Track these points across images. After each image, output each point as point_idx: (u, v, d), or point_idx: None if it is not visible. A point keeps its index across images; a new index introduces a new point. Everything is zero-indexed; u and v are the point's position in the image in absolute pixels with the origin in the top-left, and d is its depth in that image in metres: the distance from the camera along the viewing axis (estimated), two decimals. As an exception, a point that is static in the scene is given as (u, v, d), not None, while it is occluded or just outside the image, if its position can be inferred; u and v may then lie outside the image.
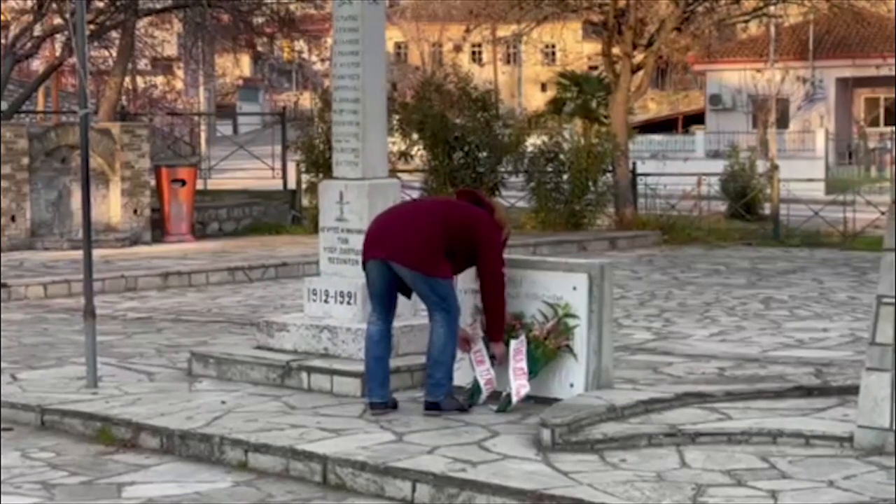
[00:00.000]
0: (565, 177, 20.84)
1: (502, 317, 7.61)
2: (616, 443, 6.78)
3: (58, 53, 24.88)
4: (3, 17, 23.81)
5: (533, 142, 21.48)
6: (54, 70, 24.95)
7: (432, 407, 7.46)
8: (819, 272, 16.02)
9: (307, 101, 48.53)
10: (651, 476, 6.24)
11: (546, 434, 6.77)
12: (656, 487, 6.06)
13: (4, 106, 22.81)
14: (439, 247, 7.48)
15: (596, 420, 7.05)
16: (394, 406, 7.61)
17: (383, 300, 7.64)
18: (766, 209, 22.42)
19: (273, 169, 23.50)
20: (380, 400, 7.57)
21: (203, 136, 35.29)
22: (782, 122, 45.70)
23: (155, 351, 10.28)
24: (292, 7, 24.82)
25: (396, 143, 20.43)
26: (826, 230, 20.41)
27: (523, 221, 21.30)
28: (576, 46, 50.47)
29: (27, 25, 22.88)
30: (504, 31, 34.54)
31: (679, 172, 24.75)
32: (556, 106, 24.64)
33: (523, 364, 7.60)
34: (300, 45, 33.65)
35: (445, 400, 7.46)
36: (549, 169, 21.04)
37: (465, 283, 8.02)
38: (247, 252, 17.46)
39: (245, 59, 54.37)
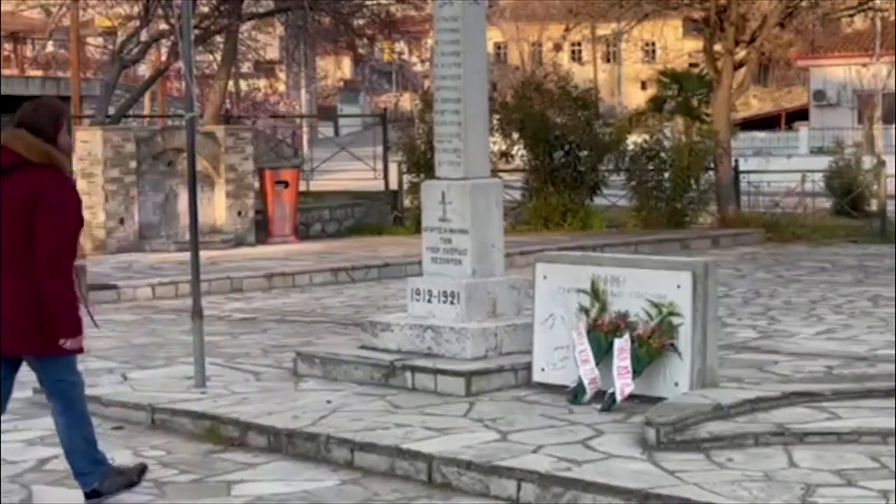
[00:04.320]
0: (667, 175, 20.72)
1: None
2: (723, 442, 6.72)
3: (163, 58, 25.29)
4: (110, 24, 24.27)
5: (634, 140, 21.38)
6: (160, 75, 25.36)
7: (95, 496, 6.32)
8: (929, 269, 15.70)
9: (407, 102, 48.76)
10: (759, 476, 6.18)
11: (651, 433, 6.73)
12: (765, 487, 6.00)
13: (112, 111, 23.25)
14: None
15: (701, 419, 6.99)
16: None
17: None
18: (873, 206, 22.04)
19: (375, 170, 23.65)
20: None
21: (305, 138, 35.63)
22: (888, 118, 44.84)
23: (261, 351, 10.41)
24: (392, 9, 24.95)
25: (497, 143, 20.45)
26: (935, 227, 20.01)
27: (624, 220, 21.21)
28: (676, 44, 49.99)
29: (134, 31, 23.29)
30: (604, 30, 34.40)
31: (782, 169, 24.43)
32: (656, 104, 24.40)
33: (627, 363, 7.56)
34: (400, 46, 33.83)
35: (105, 483, 6.30)
36: (651, 167, 20.93)
37: (568, 283, 8.01)
38: (349, 253, 17.60)
39: (346, 61, 54.81)
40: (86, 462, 6.28)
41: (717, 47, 21.61)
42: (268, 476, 6.86)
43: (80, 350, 6.08)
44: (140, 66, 30.28)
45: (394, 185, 22.24)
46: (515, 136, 21.09)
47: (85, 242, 18.99)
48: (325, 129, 42.31)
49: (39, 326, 5.92)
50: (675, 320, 7.57)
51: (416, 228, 18.22)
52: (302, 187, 21.31)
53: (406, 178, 21.50)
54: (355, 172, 24.36)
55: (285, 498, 6.48)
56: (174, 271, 15.12)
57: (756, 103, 56.83)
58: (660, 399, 7.39)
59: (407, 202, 21.50)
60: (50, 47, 45.52)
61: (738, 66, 21.76)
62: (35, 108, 6.07)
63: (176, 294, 14.18)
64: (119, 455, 7.25)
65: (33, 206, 5.84)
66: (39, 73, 41.67)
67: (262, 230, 19.37)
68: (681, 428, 6.81)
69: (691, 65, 32.76)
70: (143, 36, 23.16)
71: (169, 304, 13.73)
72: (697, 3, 22.06)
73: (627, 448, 6.70)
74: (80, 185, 18.22)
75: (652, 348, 7.57)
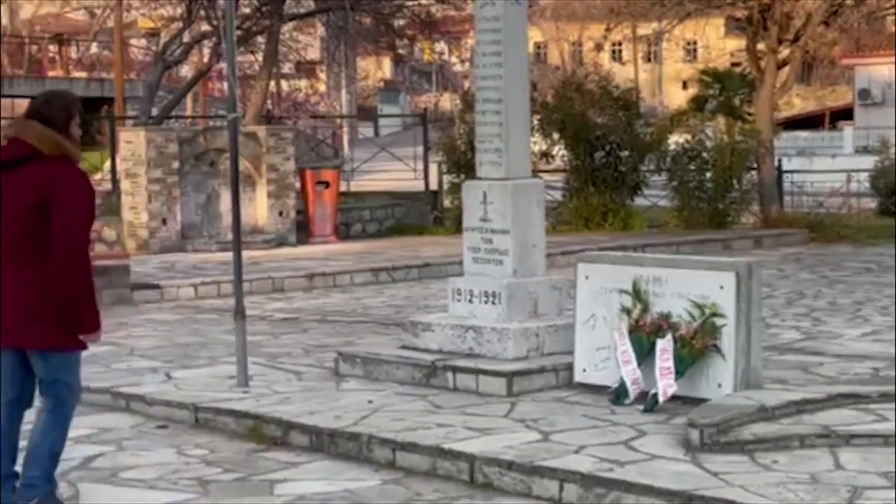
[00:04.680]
0: (708, 175, 20.63)
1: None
2: (767, 444, 6.67)
3: (206, 60, 25.42)
4: (153, 25, 24.42)
5: (675, 140, 21.29)
6: (203, 76, 25.50)
7: None
8: (975, 270, 15.54)
9: (447, 102, 48.77)
10: (805, 478, 6.13)
11: (695, 434, 6.69)
12: (810, 490, 5.95)
13: (155, 111, 23.40)
14: None
15: (745, 420, 6.95)
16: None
17: None
18: (919, 206, 21.85)
19: (415, 170, 23.67)
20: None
21: (345, 138, 35.71)
22: (934, 117, 44.44)
23: (302, 351, 10.43)
24: (433, 9, 24.96)
25: (537, 143, 20.42)
26: (983, 227, 19.80)
27: (666, 220, 21.13)
28: (718, 43, 49.77)
29: (177, 33, 23.43)
30: (645, 29, 34.25)
31: (827, 169, 24.27)
32: (697, 103, 24.30)
33: (670, 364, 7.53)
34: (441, 46, 33.82)
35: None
36: (692, 167, 20.85)
37: (610, 283, 7.98)
38: (390, 253, 17.62)
39: (386, 62, 54.91)
40: (39, 474, 5.94)
41: (761, 46, 21.49)
42: (310, 475, 6.87)
43: (85, 346, 5.95)
44: (182, 67, 30.42)
45: (434, 186, 22.25)
46: (556, 136, 21.05)
47: (128, 242, 19.13)
48: (366, 130, 42.38)
49: (41, 319, 5.80)
50: (719, 321, 7.52)
51: (456, 228, 18.31)
52: (342, 187, 21.36)
53: (446, 178, 21.51)
54: (395, 173, 24.40)
55: (328, 497, 6.49)
56: (216, 271, 15.19)
57: (799, 102, 56.45)
58: (703, 400, 7.35)
59: (447, 202, 21.51)
60: (94, 49, 45.88)
61: (781, 64, 21.62)
62: (47, 100, 5.99)
63: (218, 294, 14.24)
64: (163, 454, 7.31)
65: (47, 199, 5.74)
66: (84, 74, 42.03)
67: (303, 230, 19.43)
68: (724, 429, 6.77)
69: (733, 64, 32.59)
70: (186, 37, 23.30)
71: (211, 303, 13.79)
72: (740, 1, 21.95)
73: (670, 449, 6.67)
74: (124, 185, 18.40)
75: (695, 349, 7.53)
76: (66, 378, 5.98)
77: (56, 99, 6.02)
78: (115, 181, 21.52)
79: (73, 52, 45.18)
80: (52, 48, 43.86)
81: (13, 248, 5.83)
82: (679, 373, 7.51)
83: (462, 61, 34.72)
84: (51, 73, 40.27)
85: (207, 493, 6.58)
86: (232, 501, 6.46)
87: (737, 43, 36.53)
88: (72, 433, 7.65)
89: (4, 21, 48.82)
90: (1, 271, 5.86)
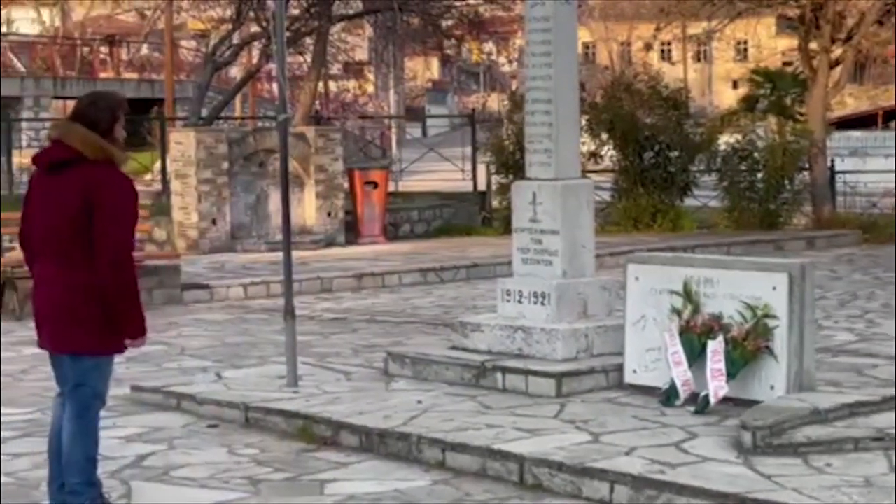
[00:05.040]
0: (759, 175, 20.47)
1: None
2: (821, 446, 6.60)
3: (255, 61, 25.55)
4: (203, 27, 24.57)
5: (725, 140, 21.14)
6: (252, 77, 25.62)
7: None
8: None
9: (495, 102, 48.71)
10: (859, 481, 6.07)
11: (747, 436, 6.64)
12: (864, 493, 5.89)
13: (204, 112, 23.54)
14: None
15: (798, 423, 6.88)
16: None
17: None
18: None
19: (463, 171, 23.66)
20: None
21: (393, 138, 35.77)
22: None
23: (351, 351, 10.46)
24: (481, 9, 24.96)
25: (586, 144, 20.33)
26: None
27: (716, 221, 21.00)
28: (769, 42, 49.46)
29: (226, 34, 23.57)
30: (695, 29, 34.07)
31: (880, 169, 24.02)
32: (748, 103, 24.16)
33: (721, 365, 7.47)
34: (489, 46, 33.80)
35: None
36: (743, 167, 20.70)
37: (660, 284, 7.94)
38: (438, 253, 17.63)
39: (434, 62, 54.95)
40: (80, 480, 5.91)
41: (813, 45, 21.30)
42: (360, 475, 6.88)
43: (120, 350, 5.91)
44: (232, 68, 30.61)
45: (482, 186, 22.23)
46: (604, 136, 20.97)
47: (178, 242, 19.25)
48: (413, 130, 42.42)
49: (81, 322, 5.77)
50: (771, 322, 7.46)
51: (505, 229, 18.27)
52: (391, 188, 21.39)
53: (494, 178, 21.48)
54: (443, 173, 24.40)
55: (378, 497, 6.49)
56: (265, 271, 15.25)
57: (852, 102, 55.90)
58: (755, 402, 7.28)
59: (495, 203, 21.48)
60: (144, 50, 46.22)
61: (834, 64, 21.43)
62: (92, 101, 5.95)
63: (267, 294, 14.30)
64: (214, 453, 7.34)
65: (90, 203, 5.71)
66: (134, 75, 42.35)
67: (352, 231, 19.47)
68: (777, 432, 6.71)
69: (785, 63, 32.40)
70: (236, 39, 23.44)
71: (260, 303, 13.85)
72: (792, 0, 21.77)
73: (722, 451, 6.62)
74: (174, 185, 18.51)
75: (746, 351, 7.48)
76: (93, 383, 5.92)
77: (101, 100, 5.97)
78: (165, 182, 21.68)
79: (123, 54, 45.53)
80: (104, 50, 44.22)
81: (58, 252, 5.82)
82: (730, 374, 7.45)
83: (510, 61, 34.71)
84: (102, 75, 40.57)
85: (258, 493, 6.61)
86: (282, 501, 6.48)
87: (788, 42, 36.31)
88: (123, 432, 7.74)
89: (57, 23, 49.34)
90: (47, 275, 5.89)
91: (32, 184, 6.09)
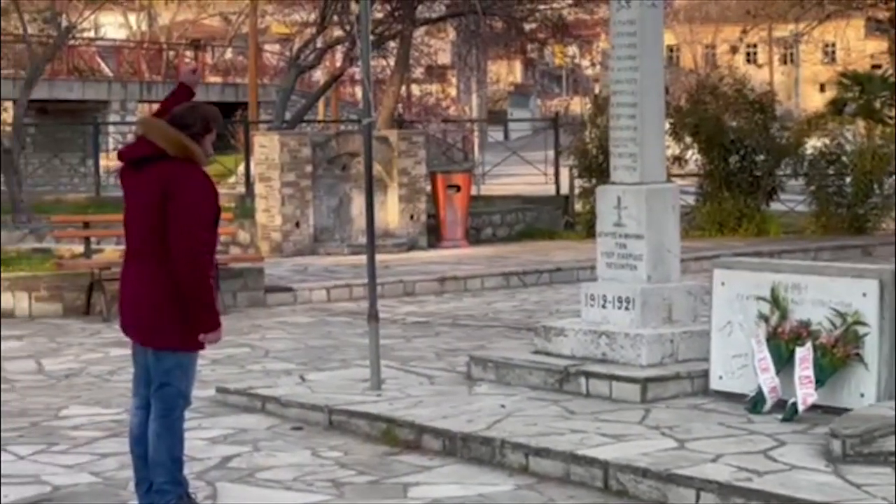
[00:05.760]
0: (848, 180, 20.18)
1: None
2: (912, 456, 6.48)
3: (338, 64, 25.68)
4: (287, 31, 24.75)
5: (813, 144, 20.86)
6: (335, 80, 25.75)
7: None
8: None
9: (578, 105, 48.55)
10: (951, 492, 5.95)
11: (836, 445, 6.54)
12: (957, 504, 5.77)
13: (288, 116, 23.70)
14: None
15: (889, 431, 6.74)
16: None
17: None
18: None
19: (545, 174, 23.59)
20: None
21: (476, 142, 35.78)
22: None
23: (434, 354, 10.46)
24: (565, 12, 24.87)
25: (670, 148, 20.17)
26: None
27: (803, 226, 20.74)
28: (858, 45, 48.72)
29: (310, 38, 23.71)
30: (782, 31, 33.69)
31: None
32: (836, 107, 23.81)
33: (809, 372, 7.37)
34: (572, 50, 33.68)
35: None
36: (831, 171, 20.41)
37: (747, 289, 7.84)
38: (520, 257, 17.58)
39: (517, 66, 54.91)
40: (165, 479, 5.97)
41: (902, 47, 20.97)
42: (443, 479, 6.88)
43: (201, 347, 5.95)
44: (315, 71, 30.79)
45: (565, 190, 22.14)
46: (688, 140, 20.79)
47: (262, 245, 19.41)
48: (496, 134, 42.41)
49: (163, 317, 5.85)
50: (861, 329, 7.34)
51: (588, 233, 18.18)
52: (473, 191, 21.38)
53: (577, 182, 21.38)
54: (526, 177, 24.36)
55: (461, 501, 6.49)
56: (348, 274, 15.31)
57: (942, 105, 54.90)
58: (844, 410, 7.17)
59: (578, 207, 21.38)
60: (229, 54, 46.71)
61: (923, 66, 21.08)
62: (192, 107, 6.03)
63: (350, 297, 14.36)
64: (298, 455, 7.38)
65: (167, 198, 5.77)
66: (219, 79, 42.82)
67: (434, 234, 19.48)
68: (868, 440, 6.59)
69: (874, 66, 31.85)
70: (319, 42, 23.56)
71: (343, 306, 13.91)
72: (882, 2, 21.44)
73: (811, 459, 6.52)
74: (258, 188, 18.67)
75: (836, 358, 7.37)
76: (176, 383, 5.98)
77: (200, 108, 6.05)
78: (249, 185, 21.87)
79: (208, 58, 46.05)
80: (189, 54, 44.76)
81: (140, 247, 5.92)
82: (819, 382, 7.34)
83: (593, 65, 34.59)
84: (187, 79, 41.00)
85: (342, 496, 6.63)
86: (366, 503, 6.50)
87: (877, 44, 35.76)
88: (209, 434, 7.81)
89: (144, 28, 50.03)
90: (132, 270, 5.97)
91: (121, 180, 6.17)
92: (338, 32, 23.71)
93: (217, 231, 6.03)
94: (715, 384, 8.04)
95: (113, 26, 50.98)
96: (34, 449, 7.61)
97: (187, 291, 5.81)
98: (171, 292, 5.83)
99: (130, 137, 32.55)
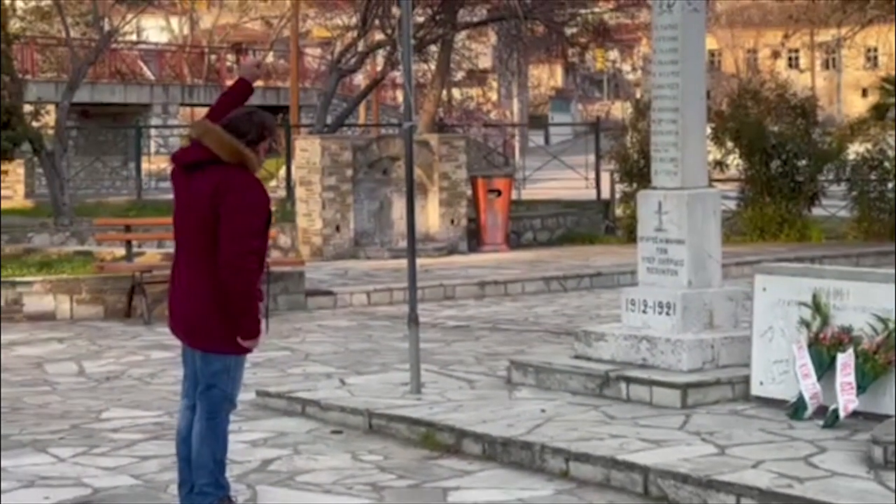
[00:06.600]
0: (890, 185, 20.05)
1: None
2: (955, 464, 6.43)
3: (379, 68, 25.75)
4: (328, 35, 24.84)
5: (855, 149, 20.73)
6: (376, 84, 25.82)
7: None
8: None
9: (618, 110, 48.45)
10: None
11: (878, 452, 6.49)
12: None
13: (329, 119, 23.79)
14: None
15: (932, 439, 6.70)
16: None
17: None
18: None
19: (586, 179, 23.55)
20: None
21: (516, 146, 35.77)
22: None
23: (474, 359, 10.47)
24: (606, 17, 24.84)
25: (711, 152, 20.09)
26: None
27: (845, 231, 20.61)
28: (900, 49, 48.30)
29: (351, 42, 23.79)
30: (824, 36, 33.49)
31: None
32: (878, 112, 23.64)
33: (851, 378, 7.33)
34: (613, 54, 33.65)
35: None
36: (873, 177, 20.28)
37: (789, 295, 7.80)
38: (561, 262, 17.56)
39: (557, 70, 54.81)
40: (208, 481, 6.01)
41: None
42: (483, 483, 6.88)
43: (247, 350, 5.98)
44: (356, 75, 30.90)
45: (605, 195, 22.11)
46: (730, 144, 20.70)
47: (302, 249, 19.46)
48: (536, 138, 42.38)
49: (211, 320, 5.87)
50: (903, 336, 7.29)
51: (628, 238, 18.14)
52: (513, 195, 21.37)
53: (618, 187, 21.34)
54: (566, 181, 24.31)
55: (501, 506, 6.49)
56: (388, 278, 15.34)
57: None
58: (886, 416, 7.12)
59: (619, 211, 21.34)
60: (270, 58, 46.88)
61: (967, 71, 20.90)
62: (249, 113, 6.03)
63: (390, 301, 14.38)
64: (338, 458, 7.40)
65: (218, 204, 5.80)
66: (260, 83, 42.96)
67: (474, 238, 19.49)
68: (909, 448, 6.54)
69: (916, 71, 31.62)
70: (360, 46, 23.63)
71: (383, 310, 13.94)
72: (925, 7, 21.28)
73: (852, 466, 6.48)
74: (299, 192, 18.74)
75: (878, 364, 7.32)
76: (222, 385, 6.01)
77: (257, 115, 6.04)
78: (289, 188, 21.96)
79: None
80: (230, 57, 45.00)
81: (193, 250, 5.95)
82: (861, 388, 7.30)
83: (634, 69, 34.53)
84: (228, 82, 41.22)
85: (381, 499, 6.64)
86: (405, 507, 6.52)
87: (920, 49, 35.42)
88: (249, 437, 7.85)
89: (185, 31, 50.34)
90: (181, 273, 6.01)
91: (173, 182, 6.20)
92: (379, 36, 23.79)
93: (267, 238, 6.07)
94: (756, 390, 8.00)
95: (155, 30, 51.34)
96: (75, 451, 7.67)
97: (231, 296, 5.84)
98: (219, 295, 5.87)
99: (172, 141, 32.82)
